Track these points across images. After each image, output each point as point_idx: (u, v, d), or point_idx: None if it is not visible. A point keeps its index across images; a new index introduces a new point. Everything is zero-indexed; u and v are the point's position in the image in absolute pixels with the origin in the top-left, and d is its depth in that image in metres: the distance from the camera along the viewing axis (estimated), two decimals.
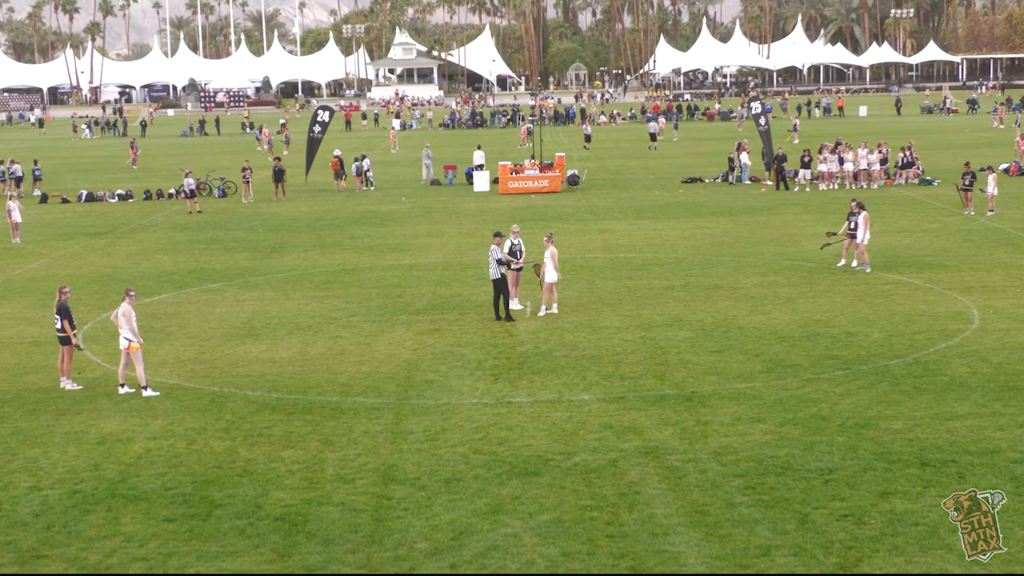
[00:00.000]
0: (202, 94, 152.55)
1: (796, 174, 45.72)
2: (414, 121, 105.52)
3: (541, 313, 23.45)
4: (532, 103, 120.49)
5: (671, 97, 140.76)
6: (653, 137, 70.35)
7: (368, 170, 50.81)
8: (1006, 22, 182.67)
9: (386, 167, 60.97)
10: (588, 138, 71.83)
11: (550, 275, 23.27)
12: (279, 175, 46.72)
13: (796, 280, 26.62)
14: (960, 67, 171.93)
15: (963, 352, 19.61)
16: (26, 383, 19.31)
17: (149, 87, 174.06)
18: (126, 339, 18.20)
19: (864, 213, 27.04)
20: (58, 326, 18.81)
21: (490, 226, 34.62)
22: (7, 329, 23.72)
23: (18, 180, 50.32)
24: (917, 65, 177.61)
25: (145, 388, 18.25)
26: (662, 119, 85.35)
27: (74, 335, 18.81)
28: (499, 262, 22.68)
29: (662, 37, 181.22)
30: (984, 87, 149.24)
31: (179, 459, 15.14)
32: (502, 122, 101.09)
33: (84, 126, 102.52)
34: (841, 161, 45.49)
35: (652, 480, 13.86)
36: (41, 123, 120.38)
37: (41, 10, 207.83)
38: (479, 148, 53.75)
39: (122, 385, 18.47)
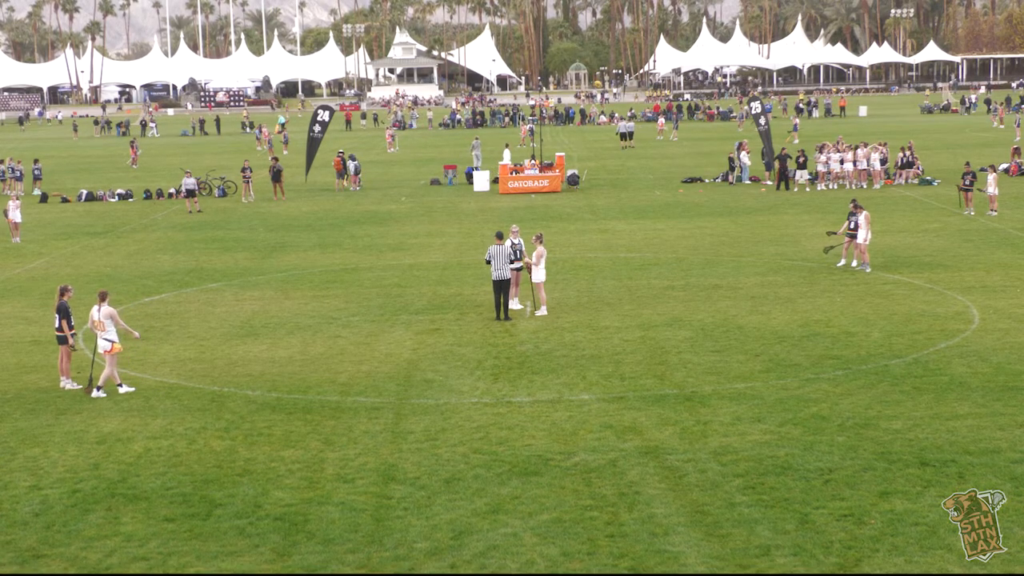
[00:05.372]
0: (202, 94, 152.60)
1: (795, 174, 45.80)
2: (413, 121, 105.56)
3: (539, 313, 23.47)
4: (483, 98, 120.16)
5: (671, 97, 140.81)
6: (624, 137, 70.06)
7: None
8: (1006, 22, 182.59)
9: (385, 167, 61.00)
10: (629, 135, 69.87)
11: (538, 275, 23.32)
12: (277, 175, 46.73)
13: (796, 280, 26.62)
14: (960, 67, 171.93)
15: (963, 352, 19.60)
16: (26, 383, 19.30)
17: (149, 87, 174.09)
18: (110, 341, 18.11)
19: (865, 213, 27.04)
20: (56, 325, 18.81)
21: (490, 226, 34.64)
22: (7, 329, 23.72)
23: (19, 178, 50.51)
24: (917, 65, 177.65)
25: (99, 388, 18.18)
26: (662, 119, 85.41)
27: (71, 335, 18.78)
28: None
29: (662, 37, 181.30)
30: (955, 87, 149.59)
31: (179, 459, 15.13)
32: (504, 121, 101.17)
33: (151, 123, 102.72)
34: (841, 161, 45.51)
35: (652, 480, 13.86)
36: (21, 121, 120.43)
37: (41, 9, 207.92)
38: (476, 140, 54.10)
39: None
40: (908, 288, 25.32)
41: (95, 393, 18.18)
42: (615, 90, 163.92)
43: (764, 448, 14.89)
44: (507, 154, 51.98)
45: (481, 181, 48.85)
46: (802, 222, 35.93)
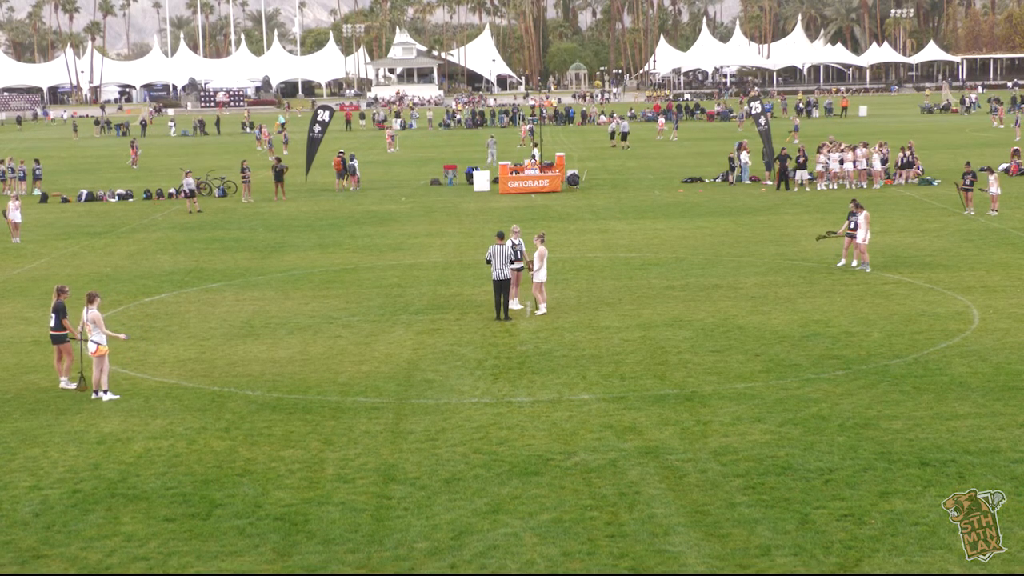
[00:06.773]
0: (202, 94, 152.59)
1: (795, 174, 45.80)
2: (413, 121, 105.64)
3: (539, 312, 23.47)
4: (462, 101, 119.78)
5: (671, 97, 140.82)
6: (624, 136, 70.10)
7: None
8: (1006, 22, 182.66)
9: (385, 167, 61.00)
10: (624, 135, 69.76)
11: (539, 275, 23.33)
12: (279, 175, 46.74)
13: (796, 280, 26.62)
14: (960, 67, 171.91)
15: (963, 352, 19.60)
16: (26, 383, 19.30)
17: (149, 87, 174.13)
18: (95, 343, 18.01)
19: (865, 212, 27.05)
20: (51, 324, 18.77)
21: (490, 226, 34.65)
22: (7, 329, 23.72)
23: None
24: (917, 65, 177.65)
25: (106, 392, 18.09)
26: (662, 119, 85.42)
27: (75, 332, 18.74)
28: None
29: (662, 37, 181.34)
30: (949, 85, 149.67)
31: (179, 459, 15.13)
32: (503, 121, 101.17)
33: (170, 123, 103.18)
34: (841, 161, 45.50)
35: (652, 480, 13.86)
36: (19, 121, 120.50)
37: (41, 10, 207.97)
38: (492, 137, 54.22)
39: (97, 391, 18.14)
40: (908, 288, 25.32)
41: (102, 396, 18.10)
42: (615, 90, 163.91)
43: (764, 448, 14.89)
44: (536, 153, 52.09)
45: (481, 181, 48.85)
46: (802, 222, 35.93)
